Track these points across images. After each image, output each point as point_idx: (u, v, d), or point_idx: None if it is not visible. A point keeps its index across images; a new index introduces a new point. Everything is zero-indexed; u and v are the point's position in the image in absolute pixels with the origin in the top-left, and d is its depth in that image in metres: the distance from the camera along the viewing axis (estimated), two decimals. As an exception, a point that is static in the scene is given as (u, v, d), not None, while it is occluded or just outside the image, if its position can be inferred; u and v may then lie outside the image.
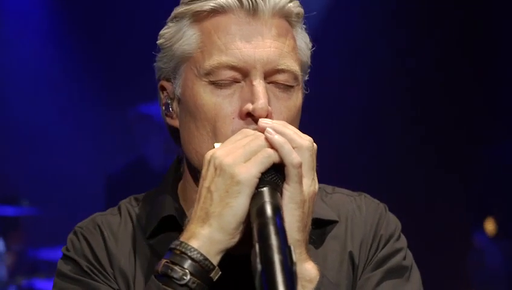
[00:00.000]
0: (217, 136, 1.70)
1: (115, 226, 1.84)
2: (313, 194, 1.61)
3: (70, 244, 1.83)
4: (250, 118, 1.69)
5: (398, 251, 1.84)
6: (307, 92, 1.81)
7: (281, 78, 1.72)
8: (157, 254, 1.78)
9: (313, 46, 1.82)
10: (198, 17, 1.75)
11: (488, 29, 5.91)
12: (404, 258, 1.84)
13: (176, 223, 1.78)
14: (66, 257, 1.83)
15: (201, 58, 1.72)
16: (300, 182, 1.58)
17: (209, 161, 1.60)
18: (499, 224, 5.84)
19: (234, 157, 1.57)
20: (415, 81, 6.08)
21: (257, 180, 1.56)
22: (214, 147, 1.67)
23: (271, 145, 1.59)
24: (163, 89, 1.83)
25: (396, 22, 6.02)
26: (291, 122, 1.69)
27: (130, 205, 1.88)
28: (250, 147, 1.59)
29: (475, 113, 6.01)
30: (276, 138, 1.59)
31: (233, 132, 1.68)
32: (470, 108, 6.01)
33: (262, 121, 1.64)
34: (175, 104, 1.80)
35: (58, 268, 1.82)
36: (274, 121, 1.64)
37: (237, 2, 1.72)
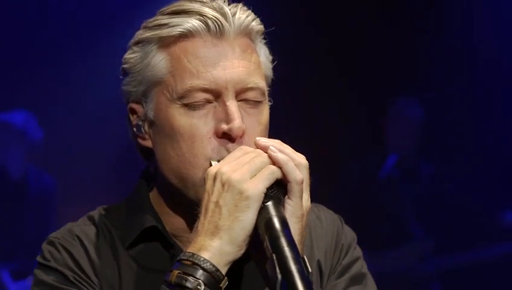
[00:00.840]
0: (195, 155, 1.80)
1: (93, 237, 1.90)
2: (309, 208, 1.74)
3: (48, 255, 1.87)
4: (225, 137, 1.79)
5: (357, 259, 2.01)
6: (271, 104, 1.92)
7: (250, 95, 1.83)
8: (138, 264, 1.87)
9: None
10: (165, 42, 1.83)
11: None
12: (362, 266, 2.02)
13: (155, 234, 1.88)
14: (46, 267, 1.86)
15: (173, 82, 1.81)
16: (301, 198, 1.71)
17: (215, 177, 1.70)
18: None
19: (242, 173, 1.68)
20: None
21: (263, 195, 1.67)
22: (193, 166, 1.79)
23: (274, 162, 1.71)
24: (133, 111, 1.90)
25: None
26: (263, 136, 1.83)
27: (102, 216, 1.95)
28: (255, 163, 1.70)
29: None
30: (281, 156, 1.71)
31: (213, 151, 1.79)
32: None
33: (261, 140, 1.75)
34: (146, 126, 1.88)
35: (39, 278, 1.86)
36: (270, 140, 1.76)
37: (204, 26, 1.81)
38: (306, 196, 1.73)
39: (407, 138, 5.90)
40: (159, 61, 1.83)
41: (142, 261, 1.87)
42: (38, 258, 1.89)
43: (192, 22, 1.81)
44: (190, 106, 1.80)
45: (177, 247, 1.89)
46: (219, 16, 1.81)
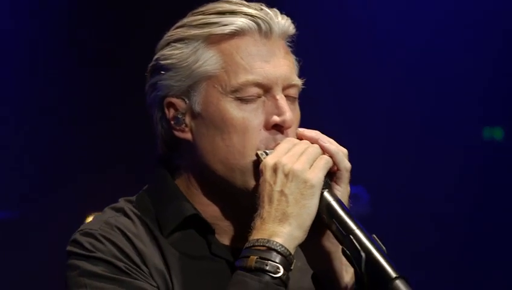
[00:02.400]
0: (245, 146, 1.93)
1: (131, 227, 1.95)
2: (349, 193, 1.94)
3: (89, 246, 1.90)
4: (275, 128, 1.95)
5: None
6: None
7: (292, 92, 1.99)
8: (180, 251, 1.95)
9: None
10: (214, 40, 1.96)
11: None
12: None
13: (192, 222, 1.97)
14: (91, 258, 1.89)
15: (226, 77, 1.94)
16: (348, 184, 1.92)
17: (275, 168, 1.85)
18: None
19: (302, 164, 1.85)
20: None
21: (323, 183, 1.86)
22: (243, 156, 1.92)
23: (325, 152, 1.90)
24: (170, 105, 1.99)
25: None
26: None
27: (130, 207, 2.01)
28: (310, 154, 1.88)
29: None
30: (332, 147, 1.91)
31: (261, 142, 1.94)
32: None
33: (306, 131, 1.95)
34: (188, 119, 1.98)
35: (85, 269, 1.88)
36: (313, 131, 1.95)
37: (255, 25, 1.95)
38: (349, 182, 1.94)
39: None
40: (210, 57, 1.95)
41: (182, 248, 1.95)
42: (74, 249, 1.92)
43: (245, 21, 1.95)
44: (243, 100, 1.93)
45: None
46: (267, 18, 1.97)
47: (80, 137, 5.58)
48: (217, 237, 1.99)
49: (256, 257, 1.79)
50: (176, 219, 1.97)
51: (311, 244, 1.89)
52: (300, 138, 1.93)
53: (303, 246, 1.88)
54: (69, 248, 1.93)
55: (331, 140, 1.92)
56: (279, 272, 1.79)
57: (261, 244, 1.81)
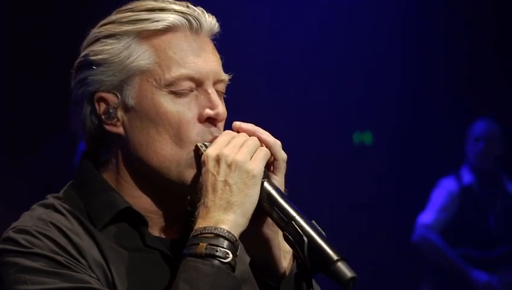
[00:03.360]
0: (182, 139, 1.98)
1: (65, 222, 1.96)
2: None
3: (25, 243, 1.89)
4: (208, 121, 2.01)
5: None
6: None
7: (220, 87, 2.06)
8: (115, 243, 1.97)
9: None
10: (145, 35, 2.00)
11: None
12: None
13: (123, 215, 2.00)
14: (28, 254, 1.88)
15: (160, 71, 1.98)
16: (284, 174, 2.00)
17: (218, 159, 1.92)
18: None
19: (244, 155, 1.92)
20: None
21: (263, 173, 1.94)
22: (179, 148, 1.98)
23: (263, 143, 1.98)
24: (101, 100, 2.02)
25: None
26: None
27: (59, 202, 2.01)
28: (250, 145, 1.95)
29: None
30: (270, 138, 1.99)
31: (197, 134, 1.99)
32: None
33: (243, 124, 2.01)
34: (120, 113, 2.01)
35: (23, 264, 1.87)
36: (248, 124, 2.01)
37: (186, 22, 2.01)
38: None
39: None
40: (143, 52, 1.99)
41: (117, 240, 1.98)
42: (9, 247, 1.90)
43: (176, 18, 2.00)
44: (176, 94, 1.99)
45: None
46: (196, 15, 2.03)
47: None
48: (149, 229, 2.02)
49: (205, 244, 1.85)
50: (108, 212, 1.99)
51: (251, 232, 1.95)
52: (237, 130, 2.00)
53: (242, 234, 1.94)
54: (1, 246, 1.91)
55: (267, 132, 2.00)
56: (228, 257, 1.85)
57: (209, 231, 1.86)
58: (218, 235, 1.86)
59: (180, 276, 1.86)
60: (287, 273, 1.99)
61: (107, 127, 2.02)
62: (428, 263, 6.39)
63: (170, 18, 2.00)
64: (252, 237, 1.98)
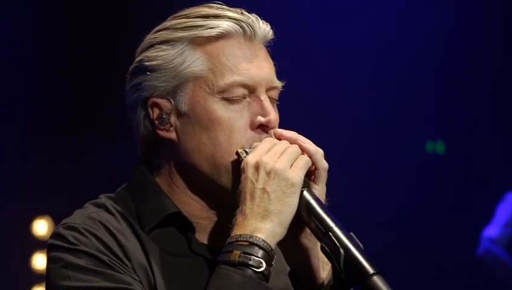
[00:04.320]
0: (232, 145, 1.99)
1: (114, 223, 1.99)
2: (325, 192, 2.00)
3: (73, 239, 1.93)
4: (260, 128, 2.01)
5: None
6: None
7: (273, 94, 2.06)
8: (161, 248, 1.99)
9: None
10: (199, 42, 2.01)
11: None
12: None
13: (173, 220, 2.01)
14: (74, 251, 1.92)
15: (213, 77, 1.99)
16: (325, 183, 1.98)
17: (257, 166, 1.91)
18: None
19: (283, 163, 1.91)
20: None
21: (302, 182, 1.92)
22: (229, 155, 1.98)
23: (304, 152, 1.96)
24: (155, 105, 2.04)
25: None
26: None
27: (111, 203, 2.04)
28: (291, 153, 1.94)
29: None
30: (311, 147, 1.97)
31: (247, 141, 1.99)
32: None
33: (284, 132, 2.00)
34: (173, 119, 2.02)
35: (68, 261, 1.91)
36: (290, 132, 2.00)
37: (240, 29, 2.02)
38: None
39: None
40: (196, 59, 2.00)
41: (162, 245, 1.99)
42: (58, 243, 1.94)
43: (230, 25, 2.01)
44: (229, 100, 1.99)
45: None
46: (251, 22, 2.04)
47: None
48: (196, 235, 2.03)
49: (239, 252, 1.84)
50: (157, 215, 2.01)
51: (290, 241, 1.95)
52: (279, 138, 1.99)
53: (281, 243, 1.93)
54: (50, 241, 1.96)
55: (309, 140, 1.98)
56: (261, 266, 1.84)
57: (244, 239, 1.86)
58: (253, 244, 1.85)
59: (211, 283, 1.86)
60: (325, 284, 1.98)
61: (160, 133, 2.04)
62: (493, 276, 6.30)
63: (224, 25, 2.01)
64: (291, 246, 1.97)
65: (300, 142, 1.97)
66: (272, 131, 2.01)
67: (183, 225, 2.02)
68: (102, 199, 2.06)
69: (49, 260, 1.95)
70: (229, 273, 1.83)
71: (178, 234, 2.02)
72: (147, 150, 2.08)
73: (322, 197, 1.96)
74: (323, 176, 1.97)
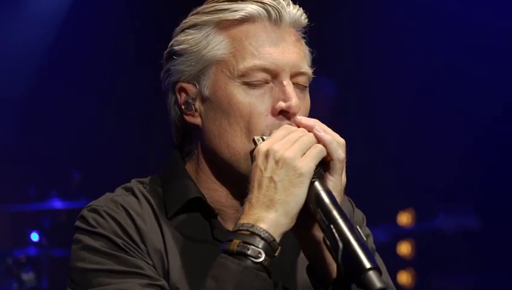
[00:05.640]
0: (252, 131, 1.93)
1: (136, 206, 1.99)
2: (344, 184, 1.89)
3: (93, 221, 1.95)
4: (281, 114, 1.93)
5: (368, 235, 2.16)
6: None
7: (301, 80, 1.98)
8: (180, 233, 1.97)
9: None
10: (224, 25, 1.97)
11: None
12: (373, 242, 2.18)
13: (196, 205, 1.99)
14: (92, 233, 1.94)
15: (234, 61, 1.94)
16: (341, 174, 1.87)
17: (267, 154, 1.83)
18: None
19: (294, 151, 1.82)
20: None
21: (313, 172, 1.82)
22: (249, 141, 1.92)
23: (319, 141, 1.85)
24: (182, 90, 2.01)
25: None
26: None
27: (139, 187, 2.04)
28: (304, 142, 1.84)
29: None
30: (326, 136, 1.86)
31: (267, 127, 1.92)
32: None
33: (303, 119, 1.91)
34: (198, 103, 2.00)
35: (85, 243, 1.93)
36: (311, 119, 1.90)
37: (265, 12, 1.96)
38: (343, 173, 1.88)
39: None
40: (220, 42, 1.96)
41: (184, 230, 1.97)
42: (80, 224, 1.97)
43: (255, 8, 1.95)
44: (250, 85, 1.93)
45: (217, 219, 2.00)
46: (278, 5, 1.97)
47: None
48: (221, 222, 2.00)
49: (239, 241, 1.78)
50: (180, 201, 1.99)
51: (303, 234, 1.88)
52: (297, 125, 1.90)
53: (298, 235, 1.88)
54: (76, 223, 1.99)
55: (328, 129, 1.88)
56: (260, 257, 1.76)
57: (245, 229, 1.79)
58: (254, 233, 1.78)
59: (210, 272, 1.81)
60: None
61: (187, 118, 2.02)
62: None
63: (248, 8, 1.95)
64: (305, 239, 1.89)
65: (316, 131, 1.87)
66: (295, 118, 1.93)
67: (207, 211, 1.99)
68: (133, 182, 2.07)
69: (72, 241, 1.98)
70: (226, 262, 1.78)
71: (203, 220, 2.00)
72: (179, 136, 2.07)
73: (338, 189, 1.85)
74: (338, 166, 1.86)
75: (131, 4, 6.64)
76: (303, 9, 2.02)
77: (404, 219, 6.23)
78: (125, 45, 6.52)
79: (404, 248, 6.27)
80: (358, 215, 2.20)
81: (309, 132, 1.88)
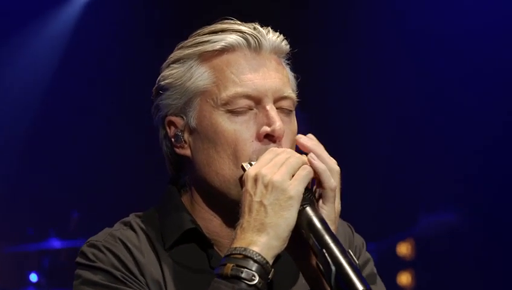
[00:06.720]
0: (239, 157, 1.96)
1: (134, 239, 2.03)
2: (339, 212, 1.92)
3: (92, 256, 1.99)
4: (267, 138, 1.97)
5: (368, 260, 2.20)
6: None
7: (285, 104, 2.01)
8: (178, 264, 2.01)
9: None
10: (206, 57, 2.02)
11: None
12: (373, 267, 2.21)
13: (193, 236, 2.03)
14: (91, 267, 1.98)
15: (217, 90, 1.98)
16: (334, 202, 1.90)
17: (256, 179, 1.87)
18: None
19: (282, 175, 1.85)
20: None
21: (301, 195, 1.85)
22: (237, 167, 1.96)
23: (313, 169, 1.89)
24: (171, 124, 2.06)
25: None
26: (293, 143, 2.01)
27: (137, 221, 2.08)
28: (291, 164, 1.87)
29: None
30: (319, 165, 1.89)
31: (254, 153, 1.96)
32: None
33: (302, 139, 1.94)
34: (186, 135, 2.04)
35: (85, 278, 1.97)
36: (309, 141, 1.93)
37: (244, 41, 2.01)
38: (338, 200, 1.91)
39: None
40: (202, 73, 2.00)
41: (182, 261, 2.01)
42: (80, 260, 2.01)
43: (234, 38, 2.00)
44: (234, 112, 1.97)
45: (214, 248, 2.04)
46: (257, 34, 2.01)
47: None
48: (218, 251, 2.03)
49: (232, 265, 1.81)
50: (176, 232, 2.02)
51: (304, 263, 1.91)
52: (296, 143, 1.95)
53: (298, 265, 1.92)
54: (77, 259, 2.03)
55: (324, 154, 1.91)
56: (254, 279, 1.79)
57: (238, 252, 1.82)
58: (246, 257, 1.81)
59: None
60: None
61: (177, 150, 2.06)
62: None
63: (228, 38, 2.00)
64: (306, 268, 1.92)
65: (310, 158, 1.90)
66: (281, 142, 1.97)
67: (204, 241, 2.03)
68: (130, 217, 2.11)
69: (74, 277, 2.02)
70: (220, 286, 1.81)
71: (199, 250, 2.04)
72: (173, 169, 2.11)
73: (331, 217, 1.89)
74: (330, 195, 1.89)
75: (133, 37, 6.69)
76: (288, 35, 2.06)
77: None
78: (123, 89, 6.55)
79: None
80: (358, 240, 2.23)
81: (307, 153, 1.91)
